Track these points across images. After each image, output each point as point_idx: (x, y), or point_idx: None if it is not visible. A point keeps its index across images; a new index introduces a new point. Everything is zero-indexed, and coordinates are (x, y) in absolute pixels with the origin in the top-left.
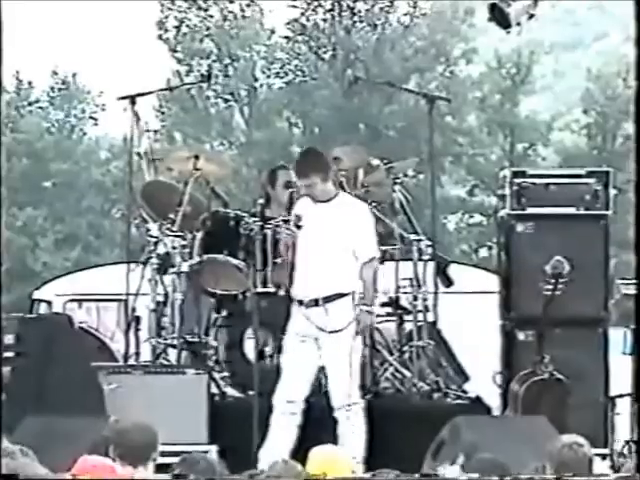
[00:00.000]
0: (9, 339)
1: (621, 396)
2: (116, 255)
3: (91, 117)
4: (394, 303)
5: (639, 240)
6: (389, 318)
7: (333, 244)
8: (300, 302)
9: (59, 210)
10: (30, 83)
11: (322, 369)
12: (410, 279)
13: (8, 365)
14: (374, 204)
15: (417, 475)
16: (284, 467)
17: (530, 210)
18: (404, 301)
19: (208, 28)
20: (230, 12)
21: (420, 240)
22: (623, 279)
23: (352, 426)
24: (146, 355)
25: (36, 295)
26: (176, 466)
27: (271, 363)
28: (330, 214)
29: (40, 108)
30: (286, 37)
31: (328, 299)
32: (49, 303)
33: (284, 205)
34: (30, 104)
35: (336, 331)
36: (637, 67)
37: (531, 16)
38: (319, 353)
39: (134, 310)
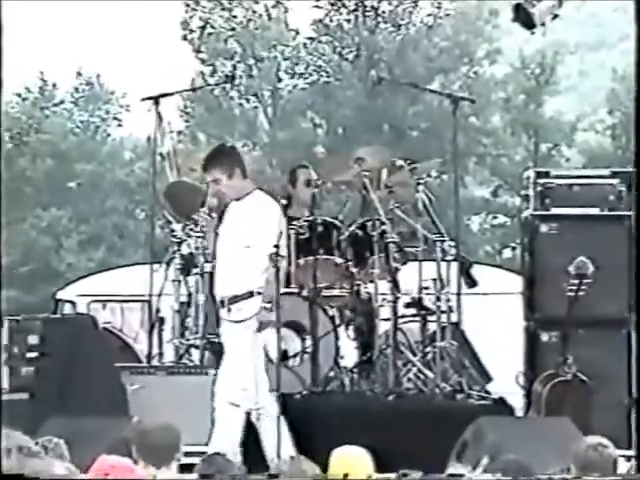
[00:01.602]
0: (33, 339)
1: None
2: (140, 256)
3: (115, 118)
4: (417, 304)
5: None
6: (412, 319)
7: (237, 242)
8: (215, 300)
9: (83, 211)
10: (54, 84)
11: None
12: (433, 280)
13: (32, 366)
14: (397, 204)
15: (443, 476)
16: (292, 464)
17: (554, 211)
18: (427, 302)
19: (232, 29)
20: (254, 13)
21: (443, 241)
22: None
23: (264, 427)
24: (169, 355)
25: (60, 295)
26: (200, 466)
27: (294, 363)
28: (238, 212)
29: (64, 109)
30: (310, 38)
31: (231, 299)
32: (73, 303)
33: (306, 204)
34: (55, 105)
35: (237, 321)
36: (637, 67)
37: (555, 16)
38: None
39: (158, 311)
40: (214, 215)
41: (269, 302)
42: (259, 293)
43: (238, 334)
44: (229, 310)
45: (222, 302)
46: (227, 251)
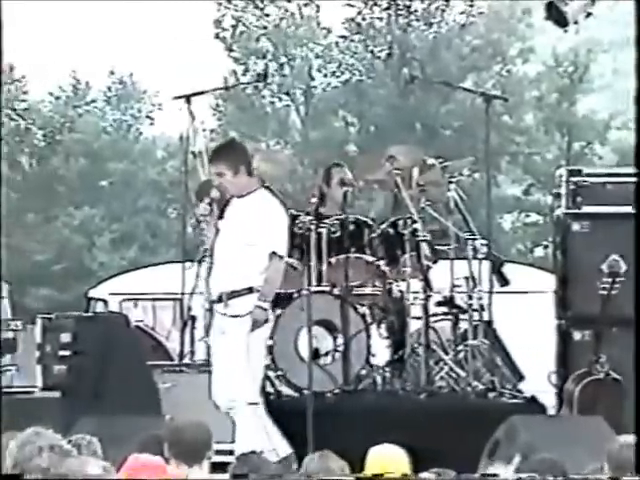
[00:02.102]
0: (66, 337)
1: None
2: (172, 254)
3: (147, 116)
4: (449, 302)
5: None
6: (444, 317)
7: (236, 239)
8: (212, 298)
9: (116, 209)
10: (87, 83)
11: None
12: (465, 278)
13: (65, 364)
14: (429, 203)
15: (475, 475)
16: (320, 461)
17: (586, 209)
18: (459, 300)
19: (265, 27)
20: (287, 11)
21: (475, 239)
22: None
23: (243, 423)
24: (201, 354)
25: (92, 294)
26: (234, 465)
27: (325, 362)
28: (240, 209)
29: (97, 108)
30: (342, 36)
31: (229, 295)
32: (105, 302)
33: (339, 203)
34: (87, 104)
35: (234, 316)
36: (637, 67)
37: (588, 15)
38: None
39: (190, 309)
40: (215, 208)
41: (265, 301)
42: (258, 291)
43: (234, 330)
44: (226, 305)
45: (220, 297)
46: (227, 247)
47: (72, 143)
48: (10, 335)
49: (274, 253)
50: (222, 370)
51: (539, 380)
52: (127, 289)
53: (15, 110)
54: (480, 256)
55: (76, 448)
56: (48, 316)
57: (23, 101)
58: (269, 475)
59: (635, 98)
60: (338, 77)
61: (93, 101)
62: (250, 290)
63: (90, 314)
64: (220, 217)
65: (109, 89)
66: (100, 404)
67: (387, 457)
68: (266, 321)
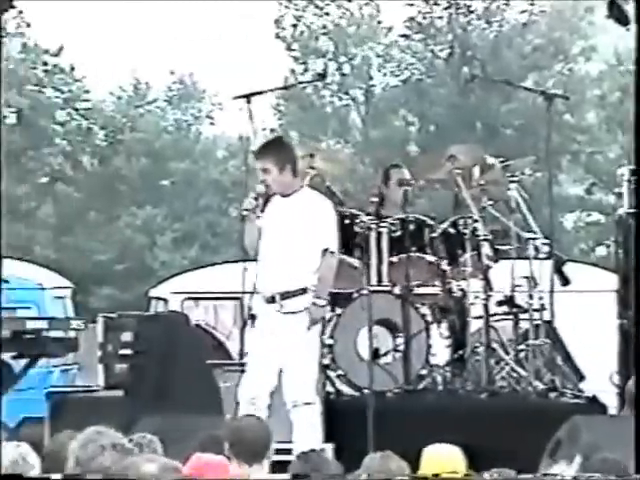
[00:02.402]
0: (127, 337)
1: None
2: (232, 253)
3: (208, 116)
4: (510, 302)
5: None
6: (505, 317)
7: (284, 239)
8: (265, 298)
9: (177, 209)
10: (147, 83)
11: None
12: (526, 277)
13: (126, 363)
14: (490, 202)
15: (536, 475)
16: (381, 461)
17: None
18: (520, 300)
19: (325, 26)
20: (347, 10)
21: (536, 238)
22: None
23: (303, 424)
24: None
25: (153, 293)
26: (294, 464)
27: (386, 361)
28: (288, 208)
29: (158, 107)
30: (403, 35)
31: (283, 295)
32: (166, 301)
33: (398, 204)
34: (148, 103)
35: (291, 312)
36: (637, 66)
37: None
38: (279, 349)
39: (250, 308)
40: (260, 202)
41: (321, 298)
42: (312, 290)
43: (290, 329)
44: (281, 306)
45: (272, 298)
46: (274, 247)
47: (134, 143)
48: (72, 334)
49: (326, 250)
50: (285, 369)
51: (600, 380)
52: (188, 288)
53: (77, 110)
54: (541, 256)
55: (137, 447)
56: (110, 315)
57: (85, 101)
58: (330, 474)
59: (635, 97)
60: (398, 76)
61: (154, 101)
62: (304, 291)
63: (151, 313)
64: (262, 213)
65: (169, 89)
66: (161, 403)
67: (442, 456)
68: (323, 318)
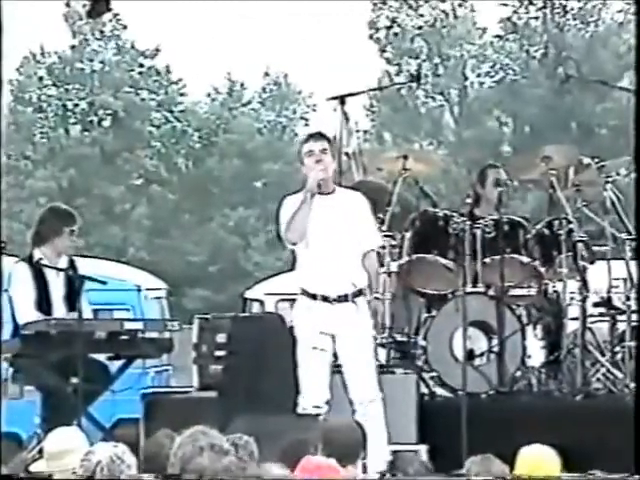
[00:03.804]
0: (222, 338)
1: None
2: None
3: (302, 117)
4: (606, 303)
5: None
6: (601, 318)
7: (343, 237)
8: (324, 298)
9: (270, 210)
10: (242, 84)
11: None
12: (623, 279)
13: (220, 364)
14: (585, 203)
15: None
16: (482, 463)
17: None
18: (617, 301)
19: (419, 27)
20: (441, 11)
21: (633, 239)
22: None
23: (371, 422)
24: None
25: (248, 294)
26: (388, 465)
27: (480, 363)
28: (333, 206)
29: (252, 109)
30: (497, 36)
31: (341, 298)
32: (261, 302)
33: (494, 204)
34: (242, 105)
35: (353, 311)
36: (637, 66)
37: None
38: (335, 351)
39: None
40: (308, 197)
41: (377, 292)
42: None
43: (355, 326)
44: (356, 305)
45: (325, 298)
46: (326, 247)
47: (227, 144)
48: (167, 335)
49: (371, 245)
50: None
51: None
52: (283, 290)
53: (172, 112)
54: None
55: (233, 448)
56: (205, 317)
57: (180, 103)
58: (421, 474)
59: (635, 97)
60: (492, 77)
61: (248, 102)
62: (360, 292)
63: (246, 314)
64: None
65: (264, 90)
66: (255, 404)
67: (538, 458)
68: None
